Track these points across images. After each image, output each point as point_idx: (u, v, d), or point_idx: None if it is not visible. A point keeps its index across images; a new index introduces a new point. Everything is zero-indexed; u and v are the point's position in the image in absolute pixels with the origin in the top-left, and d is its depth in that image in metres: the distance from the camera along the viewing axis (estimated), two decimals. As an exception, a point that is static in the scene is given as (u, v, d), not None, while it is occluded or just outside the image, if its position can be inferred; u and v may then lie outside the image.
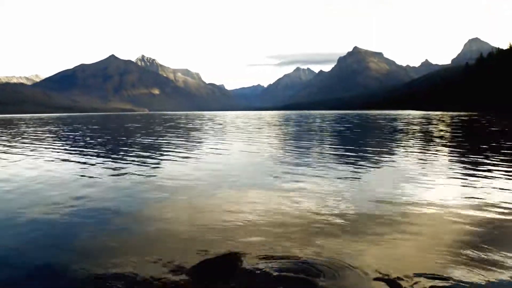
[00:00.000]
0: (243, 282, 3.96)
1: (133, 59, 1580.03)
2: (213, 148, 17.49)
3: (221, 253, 4.58)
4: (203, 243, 5.03)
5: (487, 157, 13.14)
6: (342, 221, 5.92)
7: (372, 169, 11.05)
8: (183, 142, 21.13)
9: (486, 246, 4.83)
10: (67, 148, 18.89)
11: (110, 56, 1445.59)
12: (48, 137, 27.85)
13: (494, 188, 8.17)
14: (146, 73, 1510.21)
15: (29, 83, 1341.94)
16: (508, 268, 4.21)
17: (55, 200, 7.55)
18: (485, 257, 4.50)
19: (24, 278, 4.16)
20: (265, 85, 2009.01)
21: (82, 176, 10.38)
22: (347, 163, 12.16)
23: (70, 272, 4.24)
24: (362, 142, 20.82)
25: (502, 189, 8.09)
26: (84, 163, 13.08)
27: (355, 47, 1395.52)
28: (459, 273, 4.10)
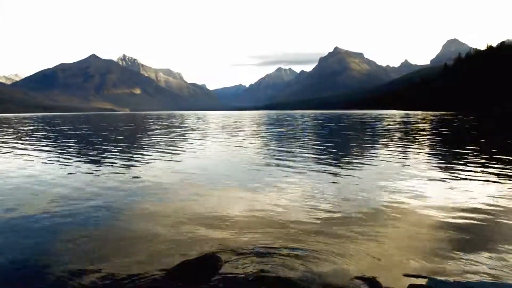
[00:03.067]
0: (222, 282, 3.95)
1: (114, 59, 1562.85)
2: (197, 149, 17.43)
3: (201, 254, 4.53)
4: (184, 244, 4.98)
5: (465, 157, 13.37)
6: (323, 221, 5.97)
7: (354, 169, 11.08)
8: (168, 142, 21.31)
9: (464, 244, 4.94)
10: (45, 147, 18.82)
11: (91, 55, 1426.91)
12: (31, 136, 28.33)
13: (472, 188, 8.35)
14: (128, 72, 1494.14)
15: (8, 82, 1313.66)
16: (485, 265, 4.31)
17: (34, 200, 7.48)
18: (463, 255, 4.59)
19: (1, 280, 4.08)
20: (247, 85, 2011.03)
21: (62, 176, 10.28)
22: (329, 163, 12.16)
23: (49, 274, 4.18)
24: (344, 142, 21.35)
25: (480, 188, 8.30)
26: (65, 163, 12.98)
27: (336, 48, 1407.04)
28: (438, 271, 4.16)
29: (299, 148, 16.91)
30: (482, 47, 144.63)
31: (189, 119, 75.90)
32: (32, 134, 30.73)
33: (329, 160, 13.00)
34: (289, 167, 11.44)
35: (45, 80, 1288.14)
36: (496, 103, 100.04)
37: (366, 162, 12.38)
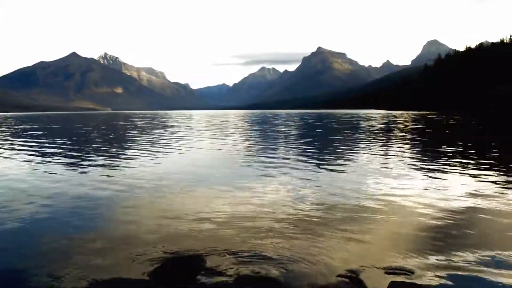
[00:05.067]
0: (205, 282, 3.94)
1: (95, 57, 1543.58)
2: (183, 148, 17.24)
3: (184, 254, 4.54)
4: (167, 244, 4.97)
5: (444, 154, 13.76)
6: (307, 218, 6.00)
7: (337, 167, 11.17)
8: (152, 141, 21.23)
9: (446, 240, 5.01)
10: (25, 147, 18.26)
11: (71, 53, 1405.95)
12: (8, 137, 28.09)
13: (453, 184, 8.50)
14: (109, 71, 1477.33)
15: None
16: (467, 261, 4.37)
17: (13, 201, 7.35)
18: (445, 251, 4.66)
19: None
20: (231, 85, 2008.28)
21: (41, 177, 10.09)
22: (313, 162, 12.23)
23: (28, 276, 4.13)
24: (328, 141, 21.62)
25: (461, 184, 8.47)
26: (46, 163, 12.72)
27: (319, 47, 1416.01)
28: (420, 267, 4.21)
29: (284, 147, 16.91)
30: (461, 48, 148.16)
31: (175, 118, 75.78)
32: (10, 134, 30.73)
33: (312, 159, 13.02)
34: (273, 165, 11.49)
35: (24, 78, 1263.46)
36: (476, 103, 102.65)
37: (348, 161, 12.45)
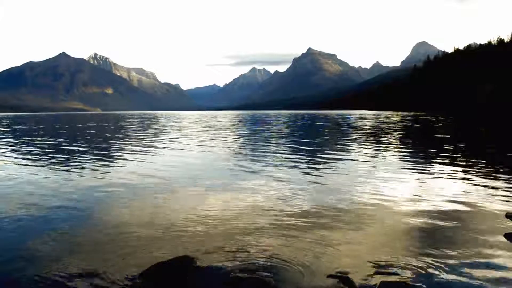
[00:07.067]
0: (196, 284, 3.96)
1: (85, 57, 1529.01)
2: (174, 150, 17.20)
3: (175, 256, 4.48)
4: (158, 246, 4.94)
5: (432, 155, 14.01)
6: (296, 220, 6.00)
7: (326, 168, 11.16)
8: (141, 142, 21.23)
9: (435, 240, 5.05)
10: (12, 149, 17.98)
11: (60, 53, 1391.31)
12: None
13: (441, 185, 8.59)
14: (99, 71, 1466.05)
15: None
16: (456, 260, 4.41)
17: (3, 202, 7.31)
18: (435, 250, 4.69)
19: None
20: (221, 85, 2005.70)
21: (32, 177, 10.06)
22: (303, 163, 12.27)
23: (19, 277, 4.11)
24: (318, 142, 21.70)
25: (449, 185, 8.58)
26: (36, 164, 12.66)
27: (310, 48, 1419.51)
28: (410, 267, 4.24)
29: (276, 148, 17.02)
30: (450, 50, 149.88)
31: (167, 118, 75.71)
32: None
33: (303, 160, 13.06)
34: (265, 166, 11.51)
35: (12, 78, 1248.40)
36: (465, 104, 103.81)
37: (339, 162, 12.43)
